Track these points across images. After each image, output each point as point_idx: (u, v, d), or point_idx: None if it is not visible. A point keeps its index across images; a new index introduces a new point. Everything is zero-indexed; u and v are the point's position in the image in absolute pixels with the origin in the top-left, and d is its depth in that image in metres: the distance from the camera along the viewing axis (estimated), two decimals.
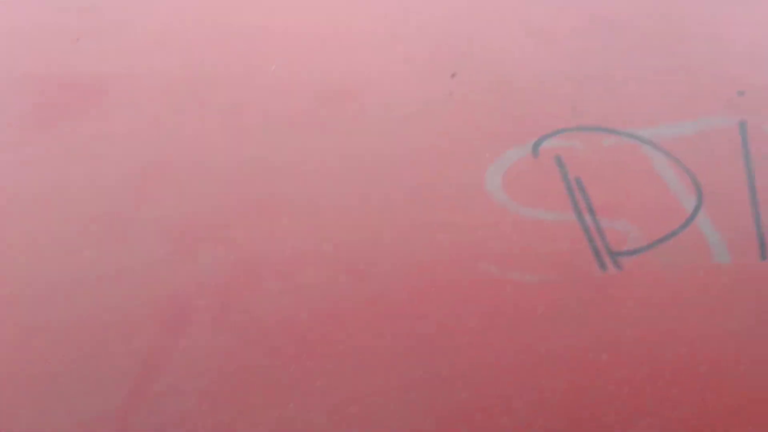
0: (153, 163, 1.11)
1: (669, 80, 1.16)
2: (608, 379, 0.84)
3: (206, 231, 1.01)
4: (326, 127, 1.14)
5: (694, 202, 0.98)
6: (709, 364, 0.84)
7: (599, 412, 0.83)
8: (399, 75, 1.23)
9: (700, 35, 1.25)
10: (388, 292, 0.92)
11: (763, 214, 0.97)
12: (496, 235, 0.97)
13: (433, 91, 1.18)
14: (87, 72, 1.27)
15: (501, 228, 0.98)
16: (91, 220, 1.04)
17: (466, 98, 1.16)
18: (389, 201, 1.02)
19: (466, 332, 0.88)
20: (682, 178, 1.01)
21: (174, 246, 0.99)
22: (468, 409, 0.85)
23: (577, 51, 1.23)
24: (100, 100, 1.22)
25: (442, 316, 0.90)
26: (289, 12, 1.40)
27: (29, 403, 0.88)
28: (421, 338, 0.88)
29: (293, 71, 1.26)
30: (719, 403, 0.82)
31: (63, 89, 1.24)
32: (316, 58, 1.28)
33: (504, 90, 1.17)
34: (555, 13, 1.31)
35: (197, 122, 1.17)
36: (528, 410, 0.84)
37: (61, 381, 0.91)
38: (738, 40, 1.24)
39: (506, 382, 0.86)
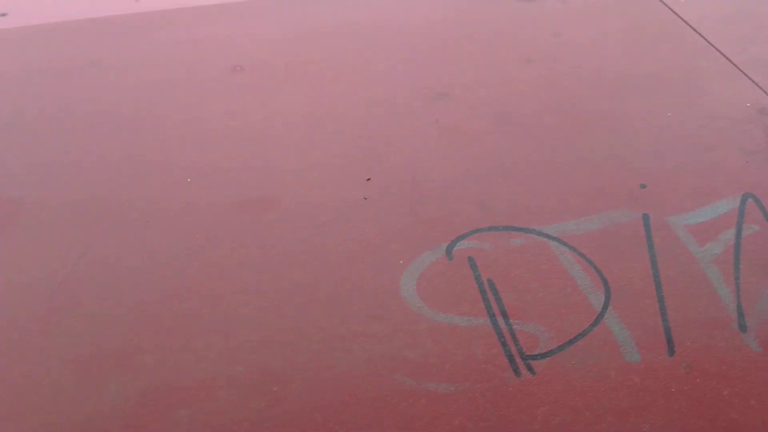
0: (61, 287, 1.08)
1: (574, 175, 1.20)
2: None
3: (115, 357, 0.97)
4: (242, 239, 1.14)
5: (602, 299, 1.00)
6: None
7: None
8: (316, 181, 1.24)
9: (603, 130, 1.30)
10: (303, 413, 0.90)
11: (669, 308, 0.99)
12: (411, 344, 0.97)
13: (348, 197, 1.19)
14: None
15: (417, 336, 0.98)
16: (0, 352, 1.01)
17: (381, 202, 1.18)
18: (305, 314, 1.01)
19: None
20: (590, 274, 1.03)
21: (81, 374, 0.96)
22: None
23: (485, 150, 1.26)
24: (10, 225, 1.20)
25: None
26: (204, 119, 1.41)
27: None
28: None
29: (209, 182, 1.25)
30: None
31: None
32: (233, 165, 1.29)
33: (417, 193, 1.19)
34: (465, 113, 1.36)
35: (107, 242, 1.14)
36: None
37: None
38: (639, 133, 1.29)
39: None
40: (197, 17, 1.74)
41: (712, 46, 1.52)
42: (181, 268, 1.09)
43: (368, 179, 1.23)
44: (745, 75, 1.42)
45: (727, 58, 1.47)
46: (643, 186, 1.16)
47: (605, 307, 0.99)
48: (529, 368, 0.93)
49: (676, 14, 1.64)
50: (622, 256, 1.06)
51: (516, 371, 0.93)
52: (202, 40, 1.65)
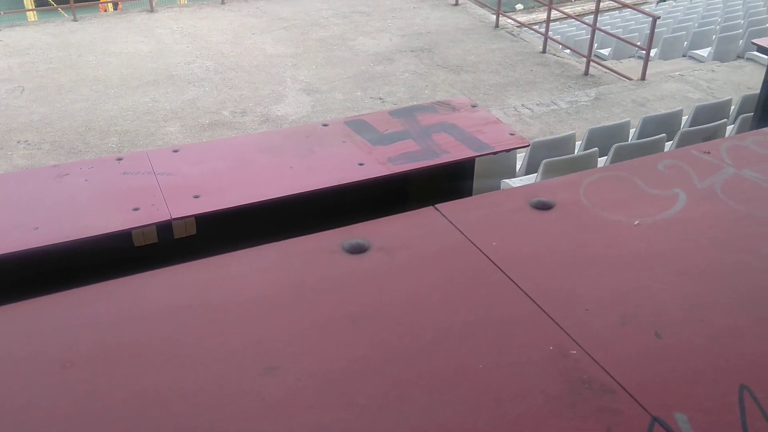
0: None
1: None
2: None
3: None
4: None
5: None
6: None
7: None
8: None
9: (422, 392, 1.37)
10: None
11: None
12: None
13: None
14: None
15: None
16: None
17: None
18: None
19: None
20: None
21: None
22: None
23: (307, 428, 1.29)
24: None
25: None
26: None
27: None
28: None
29: None
30: None
31: None
32: None
33: None
34: (292, 387, 1.40)
35: None
36: None
37: None
38: (454, 391, 1.37)
39: None
40: None
41: (518, 287, 1.67)
42: None
43: None
44: (548, 315, 1.56)
45: (531, 299, 1.62)
46: None
47: None
48: None
49: (489, 258, 1.80)
50: None
51: None
52: None
